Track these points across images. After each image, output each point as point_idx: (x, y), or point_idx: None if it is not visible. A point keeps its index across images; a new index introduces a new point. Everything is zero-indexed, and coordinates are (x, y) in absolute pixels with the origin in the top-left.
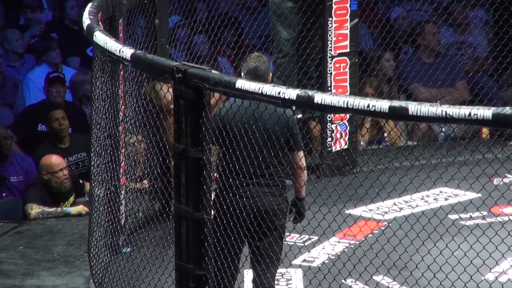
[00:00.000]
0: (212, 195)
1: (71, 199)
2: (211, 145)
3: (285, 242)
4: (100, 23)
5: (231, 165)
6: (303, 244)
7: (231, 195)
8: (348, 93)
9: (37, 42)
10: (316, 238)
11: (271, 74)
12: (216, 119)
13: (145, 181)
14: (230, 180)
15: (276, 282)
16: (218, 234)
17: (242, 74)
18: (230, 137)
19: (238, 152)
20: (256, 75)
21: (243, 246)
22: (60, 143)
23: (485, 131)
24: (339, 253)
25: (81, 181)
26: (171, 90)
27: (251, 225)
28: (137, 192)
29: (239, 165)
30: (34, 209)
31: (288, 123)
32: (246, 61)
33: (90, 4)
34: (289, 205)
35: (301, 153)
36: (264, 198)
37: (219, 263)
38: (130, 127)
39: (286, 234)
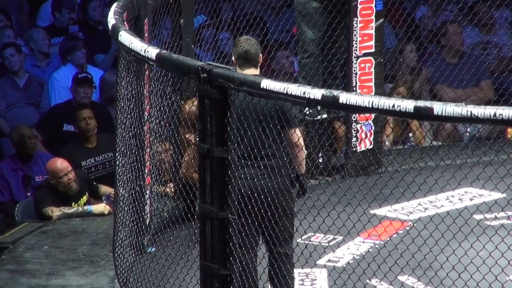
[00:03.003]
0: None
1: (84, 198)
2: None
3: (310, 242)
4: (125, 22)
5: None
6: (327, 244)
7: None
8: (373, 93)
9: (62, 42)
10: (341, 238)
11: (261, 55)
12: None
13: (169, 187)
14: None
15: (301, 282)
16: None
17: (233, 58)
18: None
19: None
20: (246, 59)
21: (258, 234)
22: (87, 142)
23: (510, 131)
24: (364, 253)
25: (94, 183)
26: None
27: (252, 205)
28: (162, 194)
29: (237, 147)
30: (55, 212)
31: (277, 101)
32: (235, 45)
33: (115, 4)
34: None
35: (297, 130)
36: (262, 179)
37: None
38: (155, 126)
39: (311, 233)
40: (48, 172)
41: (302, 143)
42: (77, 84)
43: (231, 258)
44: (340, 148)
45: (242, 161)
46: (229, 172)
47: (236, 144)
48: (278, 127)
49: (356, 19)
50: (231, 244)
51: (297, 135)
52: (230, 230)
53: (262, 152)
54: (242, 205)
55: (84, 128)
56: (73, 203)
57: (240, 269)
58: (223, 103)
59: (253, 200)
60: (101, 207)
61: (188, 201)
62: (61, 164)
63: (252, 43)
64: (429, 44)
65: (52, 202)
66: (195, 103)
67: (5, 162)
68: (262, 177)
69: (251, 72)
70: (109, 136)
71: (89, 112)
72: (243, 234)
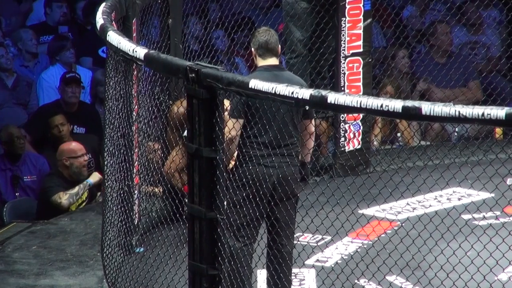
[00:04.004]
0: (231, 165)
1: (86, 192)
2: (237, 119)
3: (298, 242)
4: (113, 23)
5: (258, 137)
6: (316, 244)
7: (256, 164)
8: (361, 93)
9: (51, 42)
10: (329, 238)
11: (280, 46)
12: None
13: (157, 189)
14: (256, 151)
15: None
16: (242, 201)
17: (252, 49)
18: (253, 110)
19: (260, 125)
20: (267, 49)
21: (263, 217)
22: None
23: (498, 131)
24: (352, 253)
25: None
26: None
27: (274, 192)
28: (151, 194)
29: (264, 137)
30: (63, 197)
31: None
32: (255, 36)
33: (103, 4)
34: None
35: (313, 121)
36: (286, 167)
37: (241, 230)
38: (143, 126)
39: (299, 234)
40: (63, 153)
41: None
42: (65, 84)
43: (219, 258)
44: (325, 147)
45: (270, 150)
46: (218, 172)
47: (261, 133)
48: (300, 117)
49: (344, 19)
50: (219, 244)
51: (313, 124)
52: (219, 230)
53: (292, 140)
54: (264, 194)
55: (57, 135)
56: None
57: (241, 259)
58: (212, 103)
59: (279, 190)
60: (96, 176)
61: (170, 201)
62: (76, 145)
63: (272, 34)
64: (417, 44)
65: (60, 188)
66: (183, 104)
67: None
68: (289, 164)
69: (272, 61)
70: (85, 137)
71: (61, 119)
72: (253, 223)
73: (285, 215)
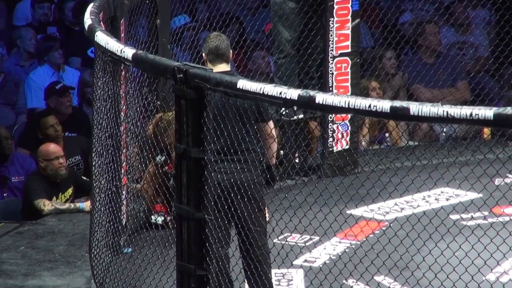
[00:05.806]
0: None
1: (70, 190)
2: None
3: (286, 242)
4: (101, 23)
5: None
6: (304, 245)
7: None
8: (349, 93)
9: (39, 42)
10: (317, 238)
11: (231, 51)
12: None
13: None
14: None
15: (277, 283)
16: None
17: (203, 55)
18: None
19: (212, 130)
20: (217, 54)
21: (230, 223)
22: None
23: (486, 131)
24: (340, 253)
25: (84, 178)
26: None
27: (229, 197)
28: (138, 193)
29: (216, 143)
30: (47, 206)
31: None
32: (206, 41)
33: (91, 4)
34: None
35: (271, 124)
36: (237, 173)
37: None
38: (131, 127)
39: (287, 234)
40: (39, 154)
41: (275, 135)
42: (59, 95)
43: (207, 259)
44: (316, 148)
45: (222, 156)
46: (206, 173)
47: (214, 140)
48: (254, 122)
49: (332, 19)
50: (207, 244)
51: (270, 127)
52: (207, 230)
53: (241, 147)
54: (219, 199)
55: (53, 135)
56: (60, 193)
57: (218, 263)
58: (200, 103)
59: (232, 194)
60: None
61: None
62: (53, 147)
63: (223, 39)
64: (405, 45)
65: (43, 192)
66: (155, 121)
67: None
68: (240, 170)
69: (222, 67)
70: (75, 139)
71: (54, 119)
72: (221, 228)
73: (249, 221)
